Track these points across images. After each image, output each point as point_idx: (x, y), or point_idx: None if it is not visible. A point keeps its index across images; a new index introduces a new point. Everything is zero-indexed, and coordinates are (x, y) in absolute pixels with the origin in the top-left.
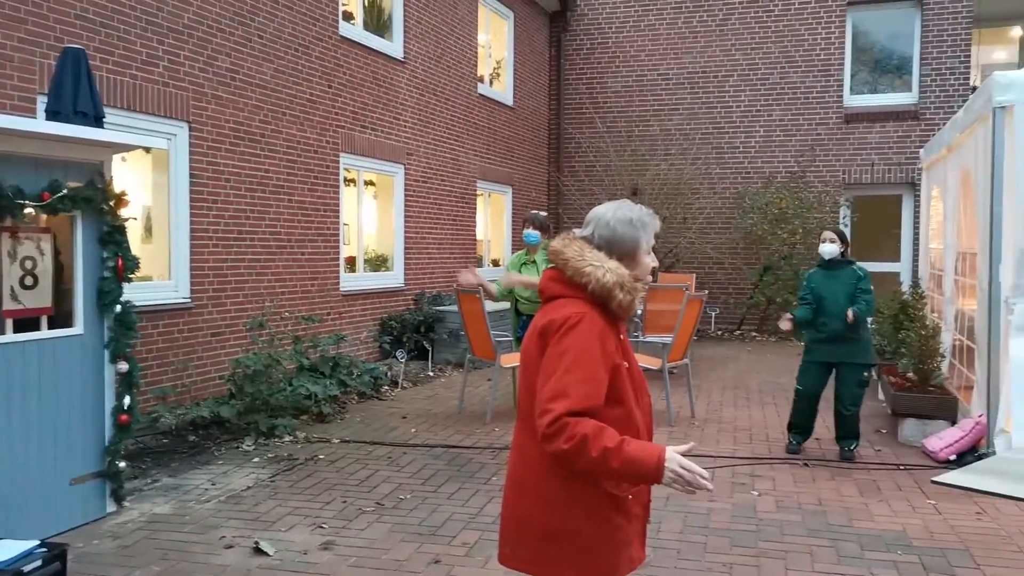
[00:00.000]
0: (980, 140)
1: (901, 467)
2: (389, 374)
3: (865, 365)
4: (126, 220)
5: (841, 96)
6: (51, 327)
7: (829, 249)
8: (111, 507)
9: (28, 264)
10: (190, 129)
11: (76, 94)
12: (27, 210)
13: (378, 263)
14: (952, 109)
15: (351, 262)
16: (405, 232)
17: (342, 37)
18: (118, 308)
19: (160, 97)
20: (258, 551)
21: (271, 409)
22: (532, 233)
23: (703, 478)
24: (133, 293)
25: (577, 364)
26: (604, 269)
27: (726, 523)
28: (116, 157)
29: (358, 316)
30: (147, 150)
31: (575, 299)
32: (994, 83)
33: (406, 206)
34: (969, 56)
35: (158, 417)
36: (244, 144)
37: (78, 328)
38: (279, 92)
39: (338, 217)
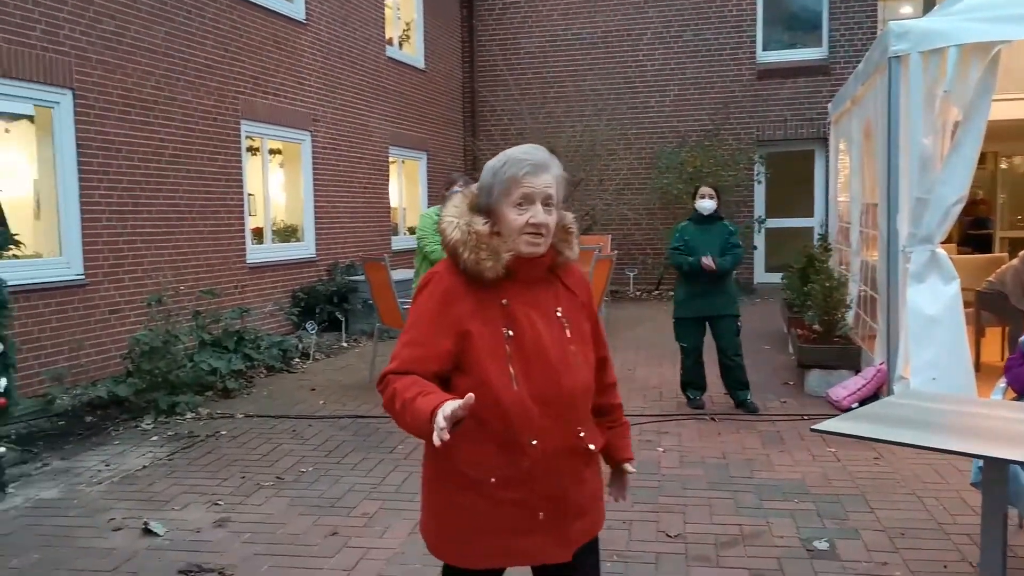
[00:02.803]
0: (879, 91)
1: (805, 417)
2: (300, 346)
3: (737, 316)
4: None
5: (754, 52)
6: None
7: (708, 205)
8: None
9: None
10: (75, 97)
11: None
12: None
13: (287, 234)
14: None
15: (258, 233)
16: (315, 201)
17: None
18: None
19: (38, 63)
20: (147, 532)
21: (172, 386)
22: None
23: (441, 428)
24: (19, 271)
25: (413, 326)
26: (454, 225)
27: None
28: None
29: (267, 288)
30: (31, 119)
31: (447, 258)
32: (890, 33)
33: (315, 174)
34: (876, 11)
35: (53, 399)
36: (135, 112)
37: None
38: (171, 56)
39: (242, 187)
